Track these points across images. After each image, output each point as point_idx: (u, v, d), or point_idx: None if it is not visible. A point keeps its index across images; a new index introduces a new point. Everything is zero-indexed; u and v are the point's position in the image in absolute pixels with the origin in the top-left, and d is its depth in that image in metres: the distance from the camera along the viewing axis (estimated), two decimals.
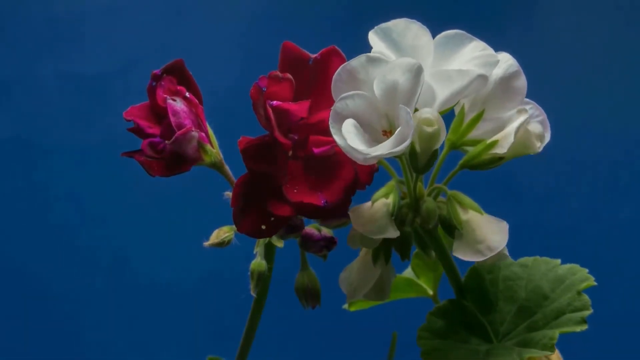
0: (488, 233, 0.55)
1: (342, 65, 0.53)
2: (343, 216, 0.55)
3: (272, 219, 0.54)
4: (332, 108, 0.52)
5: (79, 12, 1.41)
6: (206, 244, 0.60)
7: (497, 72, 0.55)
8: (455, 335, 0.59)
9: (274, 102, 0.54)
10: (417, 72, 0.51)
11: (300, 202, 0.53)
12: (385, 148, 0.51)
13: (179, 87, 0.58)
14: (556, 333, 0.57)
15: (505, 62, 0.55)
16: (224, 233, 0.61)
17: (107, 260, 1.36)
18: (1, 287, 1.36)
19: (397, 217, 0.56)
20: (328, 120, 0.52)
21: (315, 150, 0.53)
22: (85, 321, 1.35)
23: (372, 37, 0.55)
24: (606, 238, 1.33)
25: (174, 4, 1.42)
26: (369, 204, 0.55)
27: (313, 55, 0.57)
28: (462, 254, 0.55)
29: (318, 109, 0.56)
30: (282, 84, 0.55)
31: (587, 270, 0.60)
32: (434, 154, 0.54)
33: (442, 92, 0.53)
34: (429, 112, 0.52)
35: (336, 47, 0.57)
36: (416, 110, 0.53)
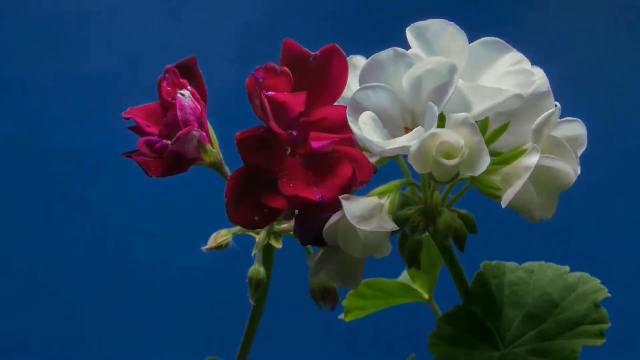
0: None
1: (372, 56, 0.53)
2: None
3: (265, 210, 0.53)
4: (351, 96, 0.52)
5: (79, 12, 1.40)
6: (204, 248, 0.60)
7: None
8: (465, 342, 0.58)
9: (270, 92, 0.53)
10: (450, 71, 0.50)
11: (295, 196, 0.52)
12: (401, 142, 0.50)
13: (182, 80, 0.58)
14: (578, 346, 0.56)
15: (538, 79, 0.54)
16: (221, 236, 0.60)
17: (107, 261, 1.36)
18: (1, 287, 1.35)
19: (409, 223, 0.55)
20: (329, 118, 0.51)
21: (314, 144, 0.53)
22: (85, 321, 1.35)
23: (407, 35, 0.54)
24: (607, 239, 1.32)
25: (174, 4, 1.42)
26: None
27: (313, 53, 0.56)
28: (512, 191, 0.51)
29: (318, 107, 0.55)
30: (279, 78, 0.54)
31: (599, 281, 0.59)
32: (455, 176, 0.52)
33: (477, 107, 0.51)
34: (456, 138, 0.49)
35: (337, 45, 0.56)
36: (444, 120, 0.51)
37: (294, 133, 0.54)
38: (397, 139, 0.50)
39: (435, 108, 0.49)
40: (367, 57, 0.56)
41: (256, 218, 0.53)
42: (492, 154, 0.54)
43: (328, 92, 0.55)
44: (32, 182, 1.38)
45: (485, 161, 0.49)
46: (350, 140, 0.54)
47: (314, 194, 0.52)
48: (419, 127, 0.50)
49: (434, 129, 0.49)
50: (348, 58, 0.57)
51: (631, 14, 1.39)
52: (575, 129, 0.54)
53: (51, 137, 1.38)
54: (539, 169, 0.51)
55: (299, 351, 1.32)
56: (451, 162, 0.50)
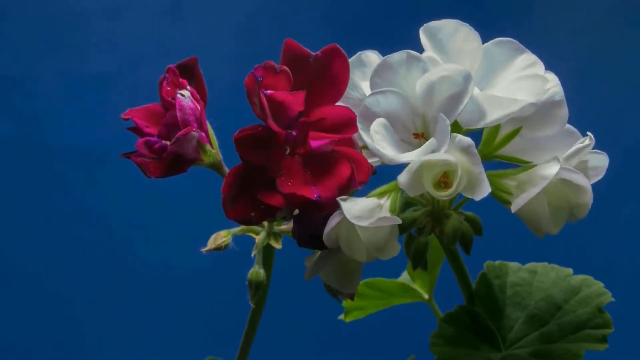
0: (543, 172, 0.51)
1: (383, 58, 0.52)
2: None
3: (262, 207, 0.53)
4: (362, 103, 0.51)
5: (80, 12, 1.40)
6: (204, 250, 0.60)
7: None
8: (467, 342, 0.58)
9: (268, 91, 0.53)
10: (466, 80, 0.50)
11: (293, 194, 0.52)
12: (412, 156, 0.49)
13: (181, 80, 0.58)
14: (581, 350, 0.56)
15: (553, 87, 0.53)
16: (221, 238, 0.60)
17: (107, 261, 1.36)
18: (2, 286, 1.35)
19: (415, 224, 0.54)
20: (328, 118, 0.51)
21: (313, 143, 0.53)
22: (86, 321, 1.35)
23: (420, 35, 0.54)
24: (611, 241, 1.32)
25: (174, 4, 1.42)
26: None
27: (314, 53, 0.56)
28: (525, 197, 0.50)
29: (318, 107, 0.55)
30: (279, 77, 0.54)
31: (602, 284, 0.59)
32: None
33: (491, 115, 0.51)
34: (452, 163, 0.48)
35: (337, 45, 0.56)
36: (457, 126, 0.51)
37: (294, 133, 0.53)
38: (408, 154, 0.50)
39: (448, 121, 0.49)
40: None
41: (252, 214, 0.53)
42: (503, 158, 0.55)
43: (328, 92, 0.55)
44: (32, 181, 1.38)
45: (486, 190, 0.49)
46: (350, 141, 0.54)
47: (312, 193, 0.52)
48: (431, 140, 0.49)
49: (426, 157, 0.48)
50: (357, 54, 0.57)
51: (631, 14, 1.39)
52: (599, 160, 0.54)
53: (52, 136, 1.38)
54: (556, 181, 0.50)
55: (299, 351, 1.32)
56: (445, 194, 0.49)
